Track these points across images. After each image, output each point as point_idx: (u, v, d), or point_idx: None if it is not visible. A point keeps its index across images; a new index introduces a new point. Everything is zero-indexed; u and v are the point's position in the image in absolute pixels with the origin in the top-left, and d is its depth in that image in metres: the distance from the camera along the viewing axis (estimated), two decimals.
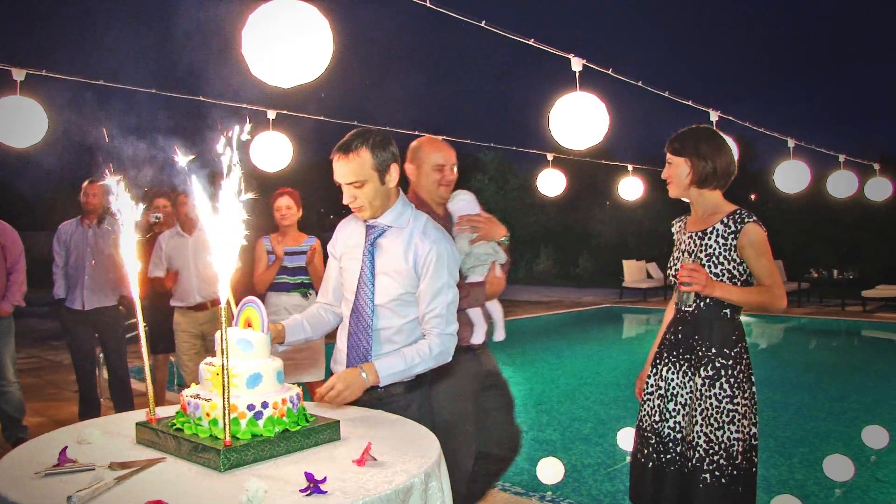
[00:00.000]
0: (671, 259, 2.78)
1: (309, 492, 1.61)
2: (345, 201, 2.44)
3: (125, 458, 1.87)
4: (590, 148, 4.82)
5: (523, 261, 26.89)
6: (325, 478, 1.65)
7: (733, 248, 2.57)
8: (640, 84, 6.05)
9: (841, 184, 10.26)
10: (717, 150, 2.63)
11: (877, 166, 11.08)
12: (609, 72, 5.50)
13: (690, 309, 2.63)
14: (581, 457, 5.36)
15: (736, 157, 2.81)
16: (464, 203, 3.11)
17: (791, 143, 8.65)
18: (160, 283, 5.12)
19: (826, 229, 20.88)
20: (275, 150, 6.18)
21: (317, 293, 4.82)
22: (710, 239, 2.62)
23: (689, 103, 6.87)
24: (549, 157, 9.90)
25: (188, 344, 5.08)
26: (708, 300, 2.59)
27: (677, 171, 2.69)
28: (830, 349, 12.70)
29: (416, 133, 7.99)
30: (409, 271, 2.43)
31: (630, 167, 10.95)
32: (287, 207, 4.95)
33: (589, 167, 16.03)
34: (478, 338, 3.04)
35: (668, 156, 2.72)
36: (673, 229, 2.88)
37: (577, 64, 4.83)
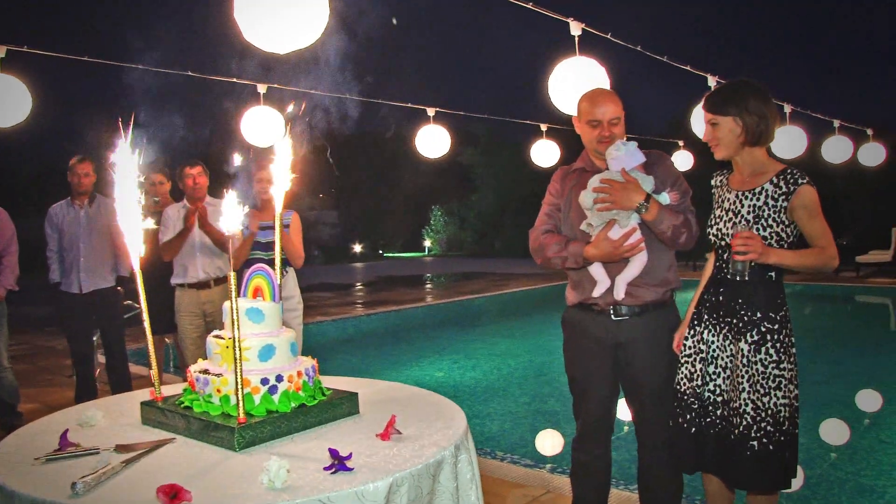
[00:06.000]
0: (711, 217, 2.62)
1: (334, 469, 1.50)
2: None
3: (131, 439, 1.76)
4: None
5: (518, 232, 27.08)
6: (351, 454, 1.55)
7: (783, 210, 2.42)
8: (638, 48, 5.95)
9: (836, 149, 10.23)
10: (767, 105, 2.44)
11: (870, 132, 11.04)
12: (608, 36, 5.38)
13: (746, 279, 2.45)
14: None
15: None
16: (619, 155, 2.71)
17: (787, 108, 8.59)
18: (169, 247, 4.90)
19: (820, 195, 20.91)
20: (266, 125, 6.01)
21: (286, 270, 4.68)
22: (758, 200, 2.45)
23: (688, 68, 6.78)
24: (543, 127, 9.78)
25: (192, 326, 4.92)
26: (752, 262, 2.42)
27: (725, 131, 2.48)
28: (825, 314, 12.74)
29: (408, 105, 7.82)
30: None
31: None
32: (268, 181, 4.74)
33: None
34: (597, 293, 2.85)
35: (711, 116, 2.50)
36: (713, 182, 2.70)
37: (576, 28, 4.71)
